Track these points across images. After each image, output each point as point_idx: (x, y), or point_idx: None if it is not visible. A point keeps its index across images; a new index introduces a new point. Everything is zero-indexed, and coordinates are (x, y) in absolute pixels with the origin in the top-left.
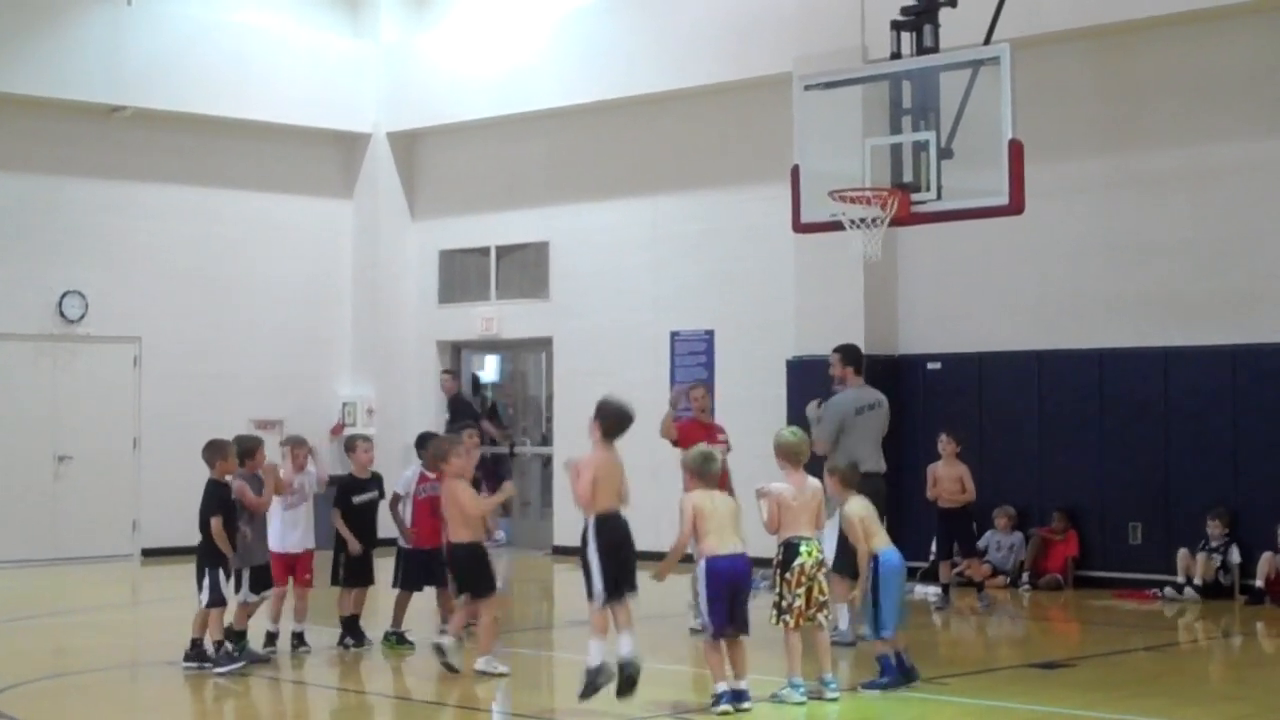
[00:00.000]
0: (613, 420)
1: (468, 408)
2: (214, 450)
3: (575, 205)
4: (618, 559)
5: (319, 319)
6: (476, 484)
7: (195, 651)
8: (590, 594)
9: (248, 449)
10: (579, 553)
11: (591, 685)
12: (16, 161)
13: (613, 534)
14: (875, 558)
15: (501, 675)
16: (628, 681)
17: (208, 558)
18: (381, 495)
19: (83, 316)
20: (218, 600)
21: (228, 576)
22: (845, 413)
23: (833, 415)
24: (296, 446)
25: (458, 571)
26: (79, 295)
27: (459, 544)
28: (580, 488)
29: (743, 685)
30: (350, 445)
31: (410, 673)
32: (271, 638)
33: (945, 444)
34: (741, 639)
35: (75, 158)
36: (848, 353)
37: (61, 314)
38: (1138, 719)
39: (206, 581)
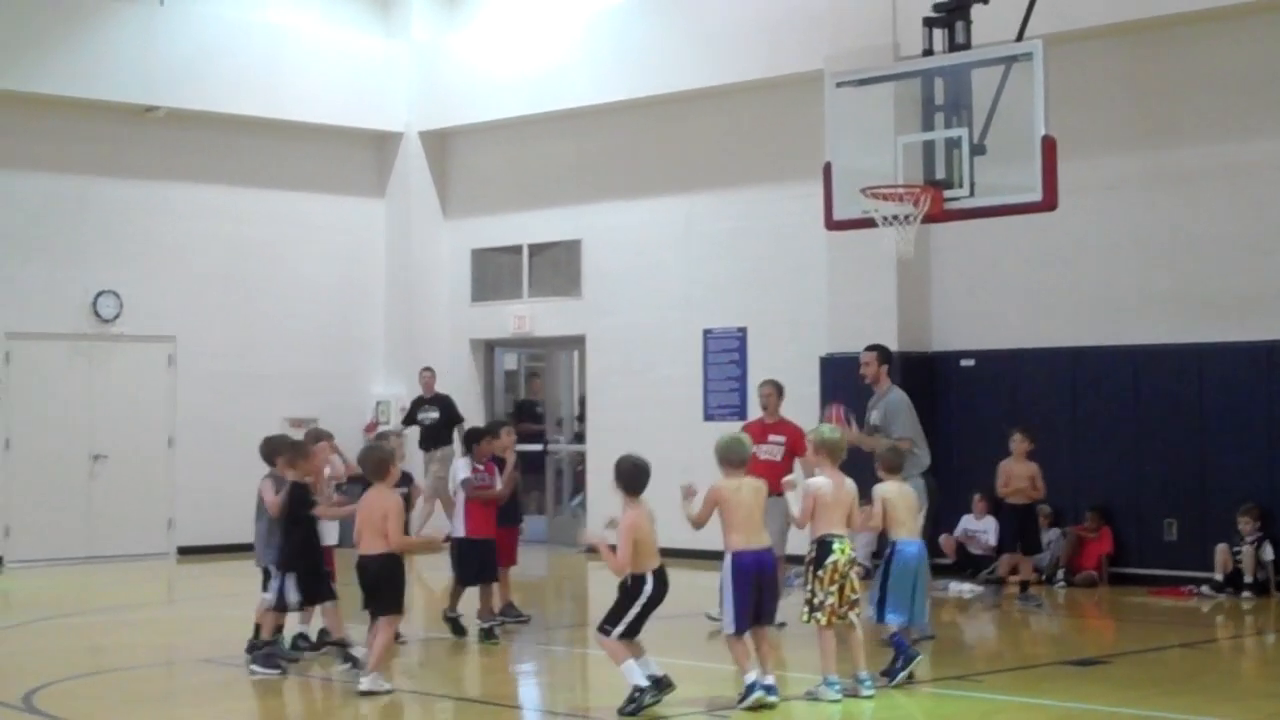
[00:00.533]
0: (628, 478)
1: (449, 406)
2: (294, 450)
3: (607, 204)
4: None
5: (352, 318)
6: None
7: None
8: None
9: (276, 449)
10: (624, 594)
11: (634, 703)
12: (51, 161)
13: (662, 588)
14: (893, 545)
15: (387, 693)
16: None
17: (292, 559)
18: (409, 489)
19: (117, 316)
20: (285, 604)
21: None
22: (911, 409)
23: (907, 411)
24: (315, 441)
25: (366, 584)
26: (114, 295)
27: (372, 555)
28: (619, 559)
29: (769, 680)
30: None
31: (471, 669)
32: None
33: (1018, 442)
34: (769, 634)
35: (109, 158)
36: (884, 353)
37: (96, 314)
38: (1173, 716)
39: (279, 584)
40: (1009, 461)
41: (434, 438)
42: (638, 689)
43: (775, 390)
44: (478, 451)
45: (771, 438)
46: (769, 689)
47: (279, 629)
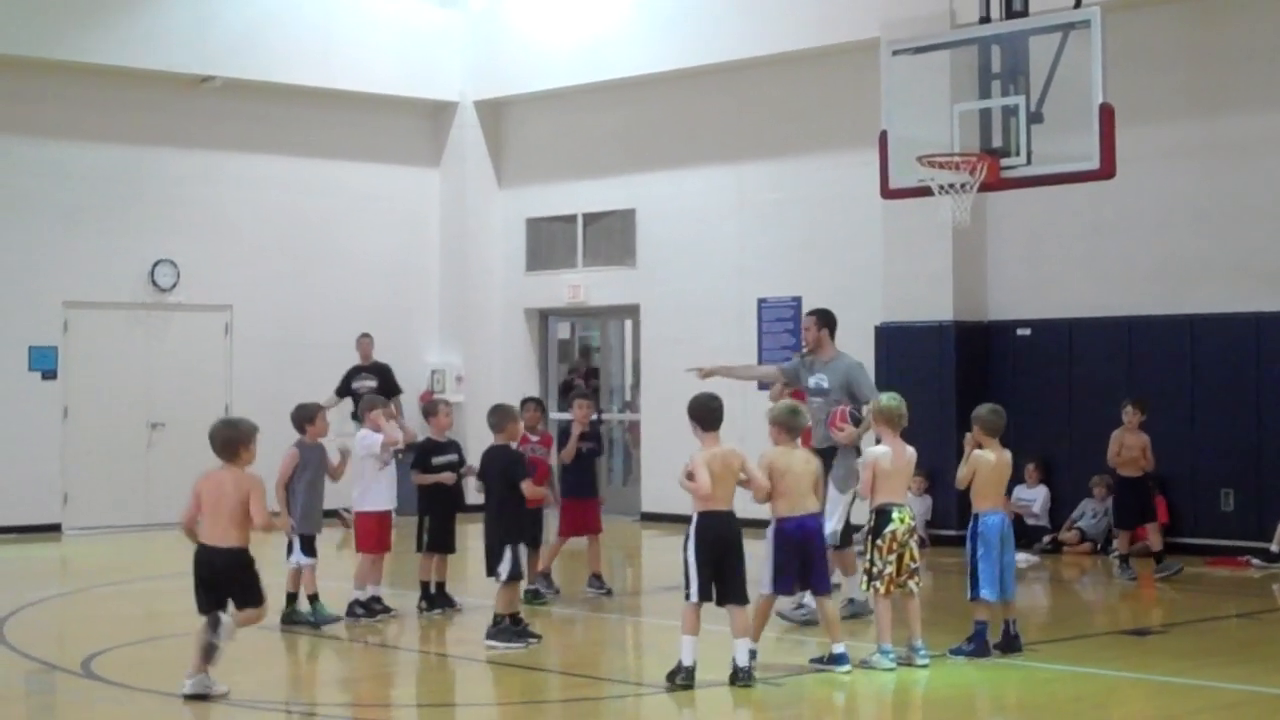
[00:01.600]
0: (695, 413)
1: (387, 375)
2: (503, 415)
3: (661, 173)
4: (715, 563)
5: (407, 287)
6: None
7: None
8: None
9: (308, 415)
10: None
11: (671, 680)
12: (108, 132)
13: (712, 533)
14: (976, 517)
15: (221, 695)
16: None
17: (509, 531)
18: (461, 460)
19: (174, 285)
20: (517, 574)
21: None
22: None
23: (869, 376)
24: (369, 409)
25: (217, 579)
26: (171, 264)
27: (229, 549)
28: (698, 484)
29: (841, 649)
30: (431, 409)
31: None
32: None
33: (1130, 413)
34: (829, 602)
35: (165, 128)
36: (825, 316)
37: (154, 283)
38: (1229, 686)
39: (509, 555)
40: (1121, 432)
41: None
42: (679, 666)
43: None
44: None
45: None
46: (839, 659)
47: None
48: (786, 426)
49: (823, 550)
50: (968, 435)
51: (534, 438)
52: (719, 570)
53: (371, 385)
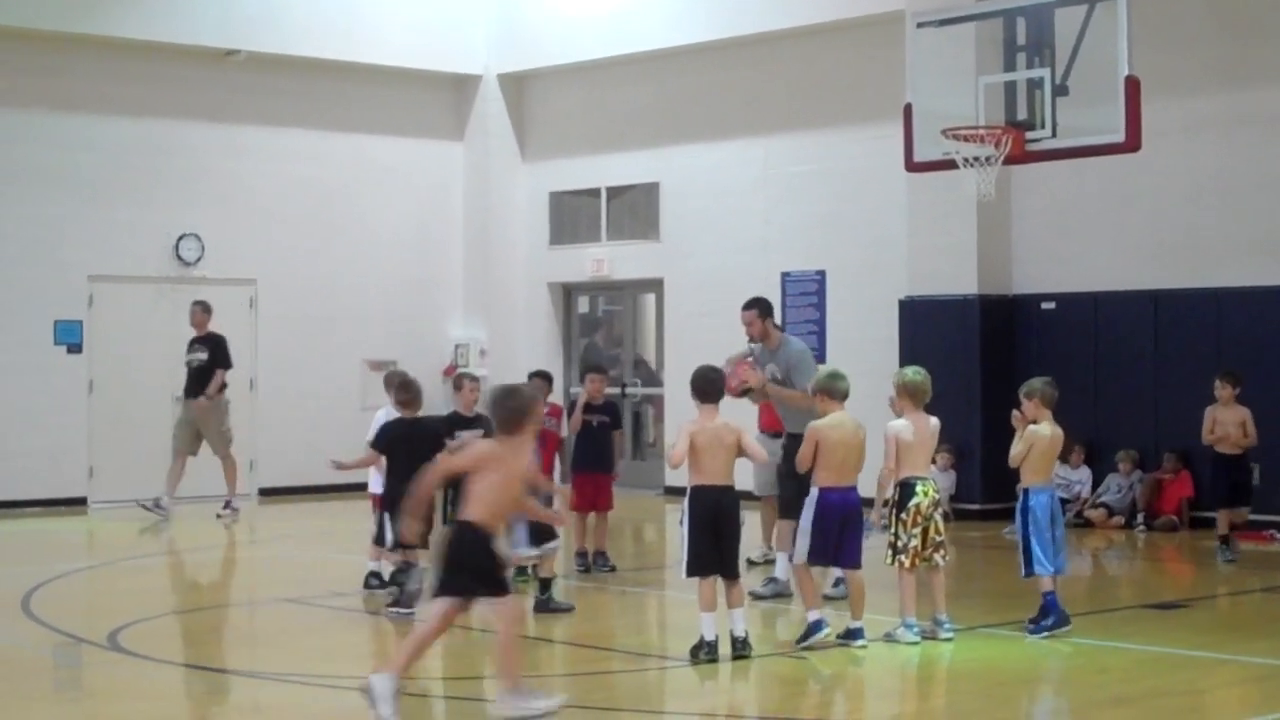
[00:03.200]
0: (694, 382)
1: (220, 347)
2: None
3: (685, 146)
4: (713, 537)
5: (431, 261)
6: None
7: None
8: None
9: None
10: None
11: (695, 655)
12: (132, 106)
13: (705, 508)
14: (1026, 493)
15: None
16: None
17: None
18: (488, 433)
19: (199, 259)
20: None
21: None
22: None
23: (812, 360)
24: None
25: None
26: (195, 238)
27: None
28: (675, 454)
29: (857, 624)
30: (457, 384)
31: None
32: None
33: (1222, 388)
34: (859, 575)
35: (189, 102)
36: (764, 306)
37: (179, 256)
38: (1254, 660)
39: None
40: (1215, 407)
41: (200, 381)
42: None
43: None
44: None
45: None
46: (855, 633)
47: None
48: (829, 392)
49: (860, 524)
50: (1015, 413)
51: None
52: (716, 543)
53: (202, 358)
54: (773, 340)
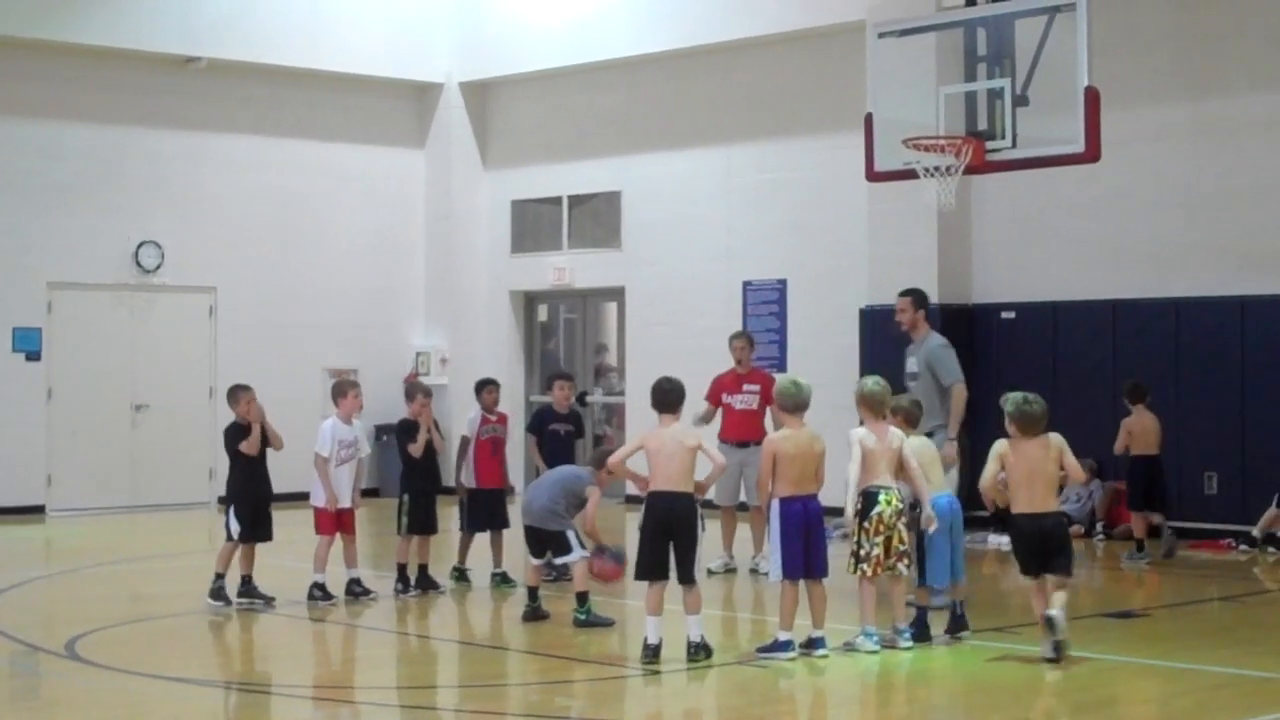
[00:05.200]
0: (653, 394)
1: None
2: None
3: (647, 155)
4: (665, 542)
5: (392, 269)
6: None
7: None
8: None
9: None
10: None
11: (644, 658)
12: (92, 112)
13: (658, 513)
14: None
15: None
16: (697, 659)
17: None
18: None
19: (159, 267)
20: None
21: None
22: (955, 355)
23: (953, 357)
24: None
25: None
26: (155, 245)
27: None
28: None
29: (818, 634)
30: (410, 393)
31: (481, 614)
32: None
33: (1130, 403)
34: (821, 585)
35: (150, 108)
36: (919, 297)
37: (138, 264)
38: (1213, 669)
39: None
40: (1129, 420)
41: None
42: (646, 644)
43: (748, 342)
44: (482, 401)
45: (746, 387)
46: (814, 644)
47: None
48: (786, 407)
49: (822, 532)
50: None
51: (492, 417)
52: (670, 548)
53: None
54: (919, 331)
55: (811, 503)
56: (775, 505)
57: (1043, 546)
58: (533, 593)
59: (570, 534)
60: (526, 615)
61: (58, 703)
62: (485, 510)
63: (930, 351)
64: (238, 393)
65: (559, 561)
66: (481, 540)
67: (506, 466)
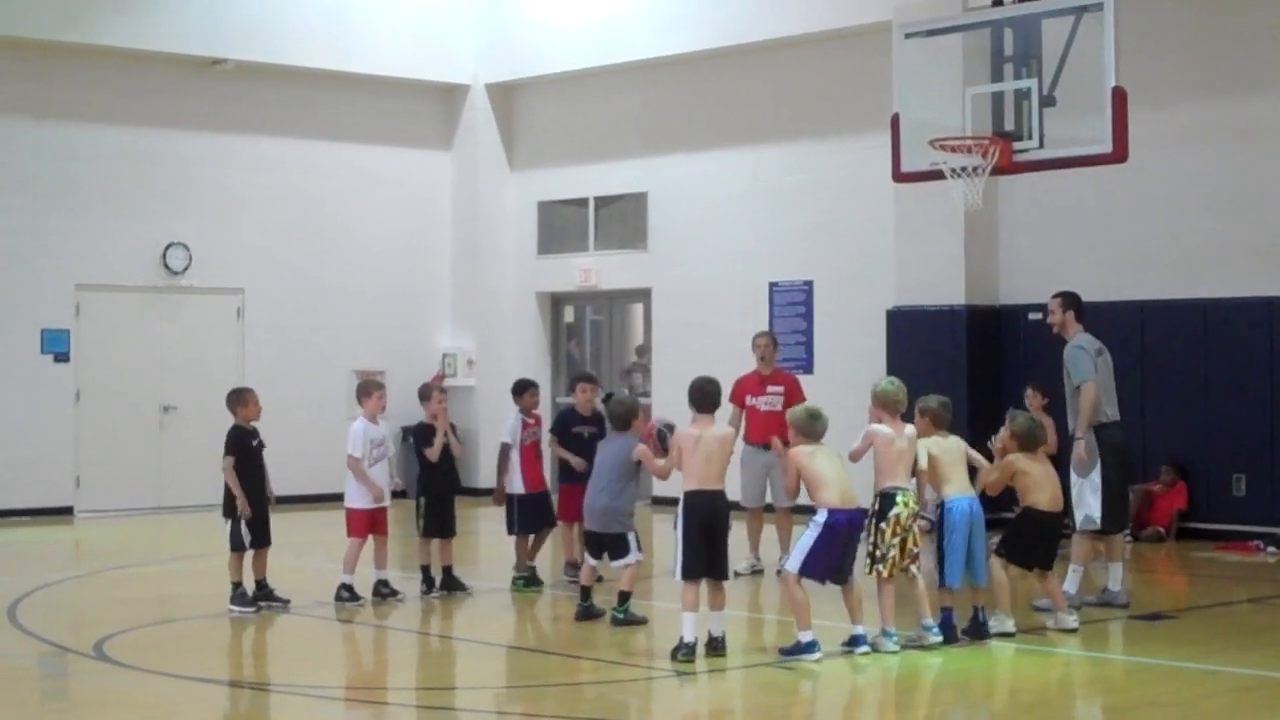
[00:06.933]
0: (691, 392)
1: None
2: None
3: (673, 156)
4: (708, 540)
5: (419, 270)
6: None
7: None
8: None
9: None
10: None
11: (673, 656)
12: (120, 115)
13: (701, 513)
14: (942, 504)
15: None
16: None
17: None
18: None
19: (186, 268)
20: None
21: None
22: (1090, 355)
23: (1085, 357)
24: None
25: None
26: (183, 247)
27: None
28: (662, 464)
29: (859, 630)
30: (424, 395)
31: (522, 617)
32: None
33: (1032, 396)
34: (854, 587)
35: (177, 111)
36: (1069, 298)
37: (166, 266)
38: (1241, 671)
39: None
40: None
41: None
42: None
43: (771, 341)
44: (523, 404)
45: (770, 388)
46: (855, 641)
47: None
48: (804, 431)
49: (856, 544)
50: (993, 439)
51: (531, 420)
52: (707, 546)
53: None
54: (1070, 331)
55: (856, 515)
56: (821, 514)
57: (1052, 541)
58: (585, 592)
59: (630, 536)
60: (579, 615)
61: (87, 704)
62: (538, 512)
63: (1067, 351)
64: (242, 394)
65: (615, 565)
66: (507, 543)
67: (544, 467)
